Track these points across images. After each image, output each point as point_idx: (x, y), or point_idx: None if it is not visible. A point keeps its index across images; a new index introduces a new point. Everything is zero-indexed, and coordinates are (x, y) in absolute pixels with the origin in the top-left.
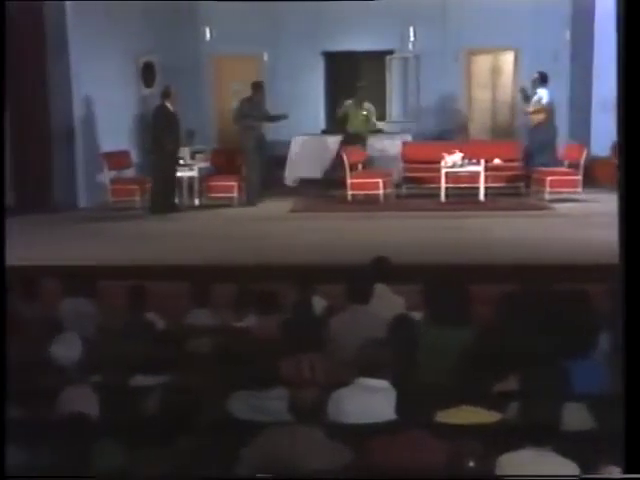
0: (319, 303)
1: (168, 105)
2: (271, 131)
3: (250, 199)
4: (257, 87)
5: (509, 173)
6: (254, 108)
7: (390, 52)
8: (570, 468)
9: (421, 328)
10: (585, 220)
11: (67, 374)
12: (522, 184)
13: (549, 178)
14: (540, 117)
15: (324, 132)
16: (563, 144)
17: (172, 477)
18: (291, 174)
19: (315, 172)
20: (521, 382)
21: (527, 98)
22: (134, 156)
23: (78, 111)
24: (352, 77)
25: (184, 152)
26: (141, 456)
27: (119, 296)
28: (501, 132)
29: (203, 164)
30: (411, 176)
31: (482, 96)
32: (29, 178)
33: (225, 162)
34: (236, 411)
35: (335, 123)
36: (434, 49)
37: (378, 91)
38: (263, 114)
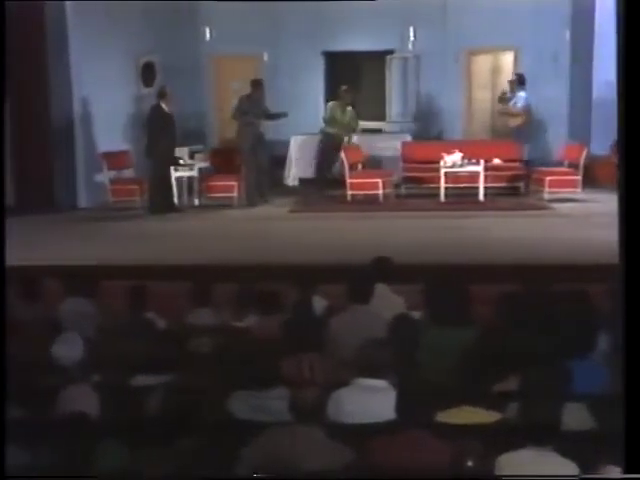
0: (319, 303)
1: (163, 105)
2: (271, 130)
3: (250, 199)
4: (256, 85)
5: (508, 173)
6: (253, 106)
7: (390, 52)
8: (570, 468)
9: (421, 328)
10: (585, 220)
11: (68, 374)
12: (522, 184)
13: (548, 178)
14: (518, 120)
15: None
16: (562, 144)
17: (173, 477)
18: (291, 174)
19: (315, 172)
20: (521, 382)
21: (503, 100)
22: (134, 156)
23: (78, 111)
24: (352, 77)
25: (183, 152)
26: (142, 456)
27: (120, 296)
28: (501, 132)
29: (203, 164)
30: (410, 176)
31: (482, 96)
32: (29, 178)
33: (224, 162)
34: (236, 411)
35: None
36: (434, 49)
37: (378, 91)
38: (263, 111)
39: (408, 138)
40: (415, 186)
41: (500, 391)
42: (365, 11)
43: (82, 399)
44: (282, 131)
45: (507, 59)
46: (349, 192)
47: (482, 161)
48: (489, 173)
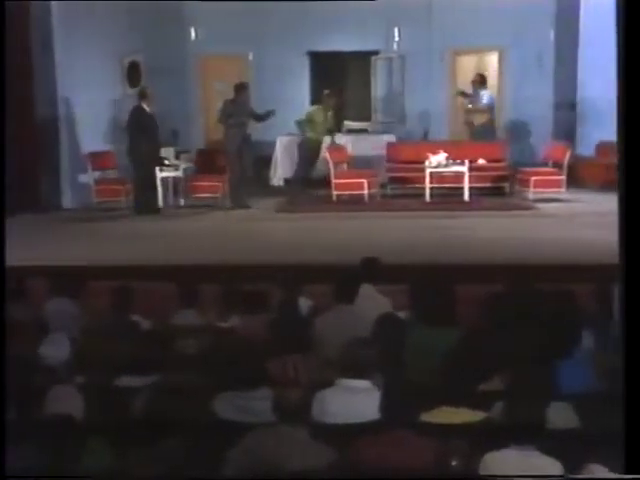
0: (305, 303)
1: (145, 106)
2: (257, 131)
3: (234, 201)
4: (240, 89)
5: (493, 173)
6: (238, 109)
7: (375, 52)
8: (554, 467)
9: (407, 328)
10: (570, 220)
11: (54, 374)
12: (506, 184)
13: (533, 178)
14: (483, 118)
15: None
16: (547, 144)
17: (158, 478)
18: (276, 174)
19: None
20: (506, 381)
21: (464, 95)
22: (118, 156)
23: (63, 111)
24: (337, 77)
25: (168, 152)
26: (127, 457)
27: (106, 296)
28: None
29: (188, 164)
30: (396, 176)
31: None
32: (14, 178)
33: (210, 162)
34: (221, 412)
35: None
36: (419, 49)
37: (363, 91)
38: (249, 113)
39: (393, 138)
40: (400, 186)
41: (485, 390)
42: (350, 11)
43: (68, 400)
44: (268, 131)
45: (492, 59)
46: (334, 192)
47: (467, 161)
48: (474, 173)
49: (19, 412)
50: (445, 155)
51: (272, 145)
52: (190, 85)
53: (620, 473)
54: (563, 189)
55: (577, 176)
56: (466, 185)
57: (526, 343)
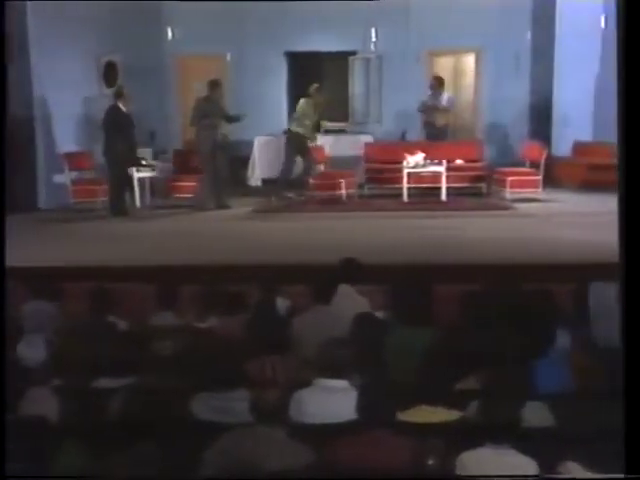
0: (283, 303)
1: (121, 105)
2: (234, 131)
3: (214, 201)
4: (214, 85)
5: (471, 173)
6: (211, 107)
7: (353, 53)
8: (529, 465)
9: (385, 327)
10: (547, 220)
11: (31, 376)
12: (484, 184)
13: (510, 178)
14: (445, 119)
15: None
16: (523, 144)
17: (135, 479)
18: (254, 174)
19: (277, 172)
20: (483, 381)
21: (434, 97)
22: (95, 157)
23: (39, 111)
24: (315, 77)
25: (145, 153)
26: (104, 458)
27: (83, 298)
28: (463, 133)
29: (166, 164)
30: (374, 176)
31: None
32: None
33: (188, 163)
34: (198, 412)
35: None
36: (396, 50)
37: (341, 91)
38: (221, 113)
39: (371, 139)
40: (378, 186)
41: (462, 390)
42: (328, 12)
43: (44, 402)
44: (246, 132)
45: (469, 60)
46: (312, 192)
47: (444, 161)
48: (451, 173)
49: None
50: (423, 155)
51: (250, 145)
52: (168, 85)
53: (620, 473)
54: (540, 189)
55: (553, 176)
56: (443, 185)
57: (503, 342)
